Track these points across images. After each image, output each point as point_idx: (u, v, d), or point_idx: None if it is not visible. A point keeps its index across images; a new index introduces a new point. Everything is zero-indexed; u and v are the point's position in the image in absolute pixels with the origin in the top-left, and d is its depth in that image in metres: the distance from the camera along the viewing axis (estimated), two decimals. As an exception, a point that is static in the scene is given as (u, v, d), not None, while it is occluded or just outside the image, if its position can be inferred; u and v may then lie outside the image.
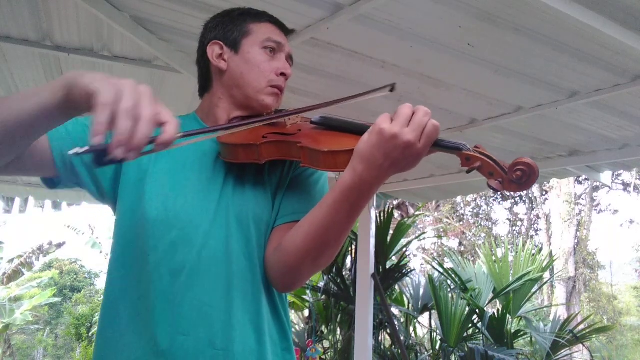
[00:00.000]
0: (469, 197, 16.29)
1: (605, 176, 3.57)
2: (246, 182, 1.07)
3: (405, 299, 5.59)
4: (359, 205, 0.90)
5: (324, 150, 0.90)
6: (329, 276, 5.10)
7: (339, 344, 5.16)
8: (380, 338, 5.14)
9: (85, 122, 1.03)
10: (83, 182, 1.03)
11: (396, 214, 8.09)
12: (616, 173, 14.99)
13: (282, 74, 1.13)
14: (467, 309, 4.80)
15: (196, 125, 1.15)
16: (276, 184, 1.10)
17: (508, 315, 4.95)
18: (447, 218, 15.64)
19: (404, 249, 5.57)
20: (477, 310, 4.93)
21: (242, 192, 1.05)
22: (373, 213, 4.16)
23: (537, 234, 16.55)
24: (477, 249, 12.87)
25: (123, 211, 1.04)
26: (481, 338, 5.00)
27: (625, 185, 15.84)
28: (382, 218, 5.05)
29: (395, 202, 8.07)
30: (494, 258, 5.51)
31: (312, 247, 0.95)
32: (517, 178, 0.80)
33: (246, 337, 0.98)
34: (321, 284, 5.18)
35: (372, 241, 4.00)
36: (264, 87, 1.11)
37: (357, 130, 0.93)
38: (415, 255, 15.32)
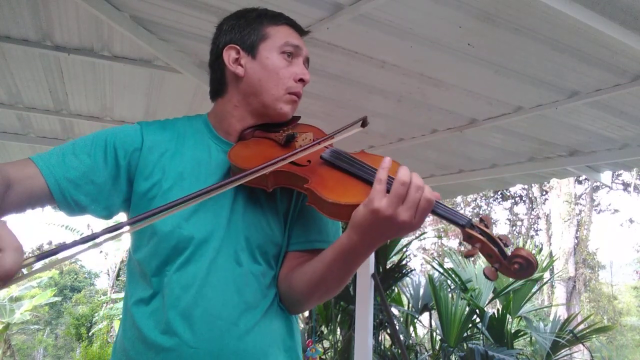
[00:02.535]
0: (469, 197, 16.29)
1: (605, 176, 3.57)
2: (257, 202, 1.06)
3: (405, 299, 5.59)
4: (356, 264, 0.95)
5: (329, 201, 0.91)
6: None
7: (339, 344, 5.16)
8: (380, 338, 5.14)
9: (87, 151, 1.03)
10: (92, 211, 1.04)
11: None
12: (616, 173, 14.99)
13: (301, 80, 1.10)
14: (467, 309, 4.80)
15: (206, 131, 1.14)
16: (287, 207, 1.10)
17: (508, 315, 4.95)
18: (447, 218, 15.61)
19: (404, 249, 5.57)
20: (477, 310, 4.93)
21: (253, 212, 1.05)
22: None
23: (537, 234, 16.55)
24: (477, 249, 12.85)
25: (138, 231, 1.04)
26: (481, 338, 5.00)
27: (625, 185, 15.85)
28: (382, 218, 5.04)
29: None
30: (494, 258, 5.50)
31: (315, 291, 1.01)
32: (514, 270, 0.82)
33: (256, 350, 0.99)
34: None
35: (372, 241, 3.99)
36: (282, 95, 1.09)
37: (365, 177, 0.94)
38: (415, 255, 15.33)
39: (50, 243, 15.11)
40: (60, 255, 0.67)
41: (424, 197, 0.84)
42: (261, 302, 1.02)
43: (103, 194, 1.03)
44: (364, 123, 1.07)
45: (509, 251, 0.82)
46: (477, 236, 0.83)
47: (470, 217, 0.86)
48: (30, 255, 0.62)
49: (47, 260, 0.64)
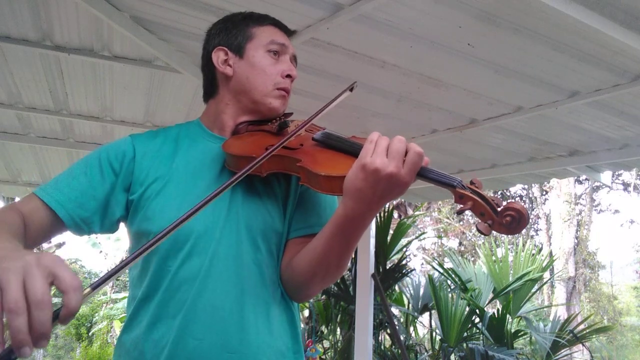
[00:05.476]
0: (469, 197, 16.21)
1: (605, 176, 3.58)
2: (256, 191, 1.07)
3: (405, 299, 5.59)
4: (355, 236, 0.93)
5: (321, 174, 0.92)
6: (329, 276, 5.10)
7: (339, 344, 5.16)
8: (380, 338, 5.14)
9: (79, 176, 1.05)
10: (100, 227, 1.06)
11: (395, 213, 8.08)
12: (616, 173, 15.00)
13: (288, 76, 1.13)
14: (467, 309, 4.80)
15: (200, 131, 1.16)
16: (285, 193, 1.11)
17: (508, 315, 4.95)
18: (447, 218, 15.64)
19: (404, 249, 5.57)
20: (477, 310, 4.93)
21: (252, 201, 1.06)
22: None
23: (537, 234, 16.55)
24: (477, 249, 12.87)
25: (137, 228, 1.06)
26: (481, 338, 5.00)
27: (625, 185, 15.85)
28: (382, 218, 5.06)
29: (394, 202, 8.07)
30: (494, 258, 5.51)
31: (317, 271, 0.99)
32: (506, 223, 0.81)
33: (259, 340, 1.00)
34: (321, 284, 5.17)
35: (372, 241, 4.00)
36: (271, 90, 1.11)
37: (356, 153, 0.94)
38: (415, 255, 15.33)
39: (50, 242, 15.07)
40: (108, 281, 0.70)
41: (412, 150, 0.85)
42: (264, 292, 1.03)
43: (106, 208, 1.05)
44: (352, 88, 1.10)
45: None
46: (469, 195, 0.84)
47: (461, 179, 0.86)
48: (86, 287, 0.64)
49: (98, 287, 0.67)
